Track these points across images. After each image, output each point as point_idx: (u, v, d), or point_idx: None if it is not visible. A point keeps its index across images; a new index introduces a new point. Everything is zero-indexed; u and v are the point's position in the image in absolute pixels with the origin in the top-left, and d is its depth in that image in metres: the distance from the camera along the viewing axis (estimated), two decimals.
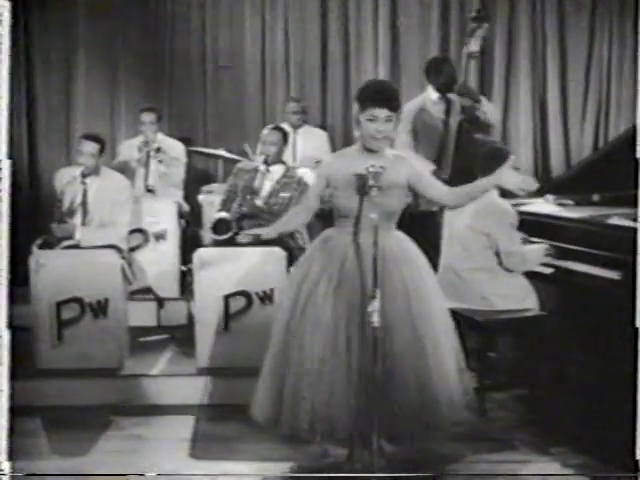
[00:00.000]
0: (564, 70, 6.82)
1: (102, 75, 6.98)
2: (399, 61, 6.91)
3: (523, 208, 4.73)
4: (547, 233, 4.60)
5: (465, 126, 5.23)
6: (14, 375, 3.48)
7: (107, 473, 3.70)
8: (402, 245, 3.52)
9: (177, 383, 4.58)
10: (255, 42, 6.99)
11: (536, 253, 4.45)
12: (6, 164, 3.50)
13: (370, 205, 3.31)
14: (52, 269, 4.65)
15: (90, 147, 5.13)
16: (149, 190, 6.12)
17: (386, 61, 6.90)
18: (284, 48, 6.99)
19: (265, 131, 5.34)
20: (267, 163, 5.17)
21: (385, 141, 3.45)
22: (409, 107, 5.36)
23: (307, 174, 5.33)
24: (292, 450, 3.74)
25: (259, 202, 5.09)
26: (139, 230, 5.69)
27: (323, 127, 6.87)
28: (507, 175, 3.68)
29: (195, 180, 6.59)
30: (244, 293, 4.58)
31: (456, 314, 3.88)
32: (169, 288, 5.75)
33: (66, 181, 5.26)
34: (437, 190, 3.57)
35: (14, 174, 3.53)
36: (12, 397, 3.47)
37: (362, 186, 3.35)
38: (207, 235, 5.43)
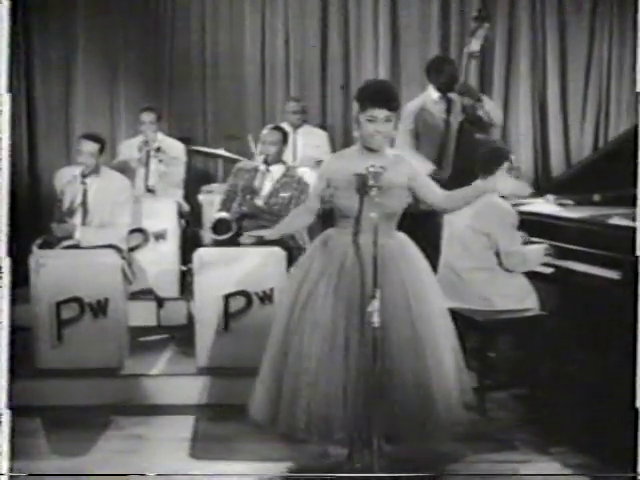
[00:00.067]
0: (564, 70, 6.83)
1: (102, 75, 6.98)
2: (399, 61, 6.91)
3: (523, 208, 4.74)
4: (547, 233, 4.60)
5: (466, 126, 5.23)
6: (14, 375, 3.48)
7: (107, 473, 3.70)
8: (402, 246, 3.52)
9: (177, 383, 4.58)
10: (255, 41, 7.00)
11: (536, 253, 4.45)
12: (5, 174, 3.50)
13: (370, 205, 3.31)
14: (52, 269, 4.65)
15: (90, 147, 5.13)
16: (149, 190, 6.12)
17: (386, 60, 6.91)
18: (284, 47, 6.99)
19: (265, 131, 5.34)
20: (267, 163, 5.17)
21: (385, 141, 3.45)
22: (410, 107, 5.37)
23: (307, 174, 5.33)
24: (292, 450, 3.75)
25: (259, 202, 5.09)
26: (139, 230, 5.69)
27: (323, 127, 6.87)
28: (501, 181, 3.69)
29: (195, 180, 6.59)
30: (244, 293, 4.58)
31: (456, 314, 3.88)
32: (169, 288, 5.74)
33: (66, 181, 5.26)
34: (432, 193, 3.56)
35: (14, 174, 3.53)
36: (12, 397, 3.47)
37: (362, 186, 3.34)
38: (207, 235, 5.42)
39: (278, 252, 4.59)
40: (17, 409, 3.49)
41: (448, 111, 5.25)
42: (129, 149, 6.32)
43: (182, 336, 5.24)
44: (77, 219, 5.13)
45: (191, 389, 4.50)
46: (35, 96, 6.91)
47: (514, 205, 4.48)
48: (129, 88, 7.00)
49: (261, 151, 5.32)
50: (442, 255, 4.52)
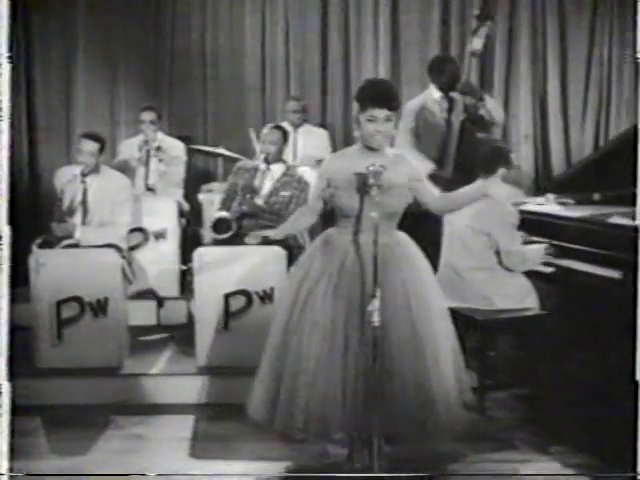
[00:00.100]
0: (564, 69, 6.82)
1: (102, 75, 6.98)
2: (399, 60, 6.91)
3: (524, 207, 4.74)
4: (548, 232, 4.60)
5: (467, 125, 5.22)
6: (14, 374, 3.48)
7: (107, 473, 3.70)
8: (403, 245, 3.52)
9: (177, 382, 4.58)
10: (255, 41, 6.99)
11: (536, 252, 4.45)
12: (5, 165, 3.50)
13: (371, 204, 3.31)
14: (52, 268, 4.65)
15: (90, 146, 5.12)
16: (149, 189, 6.12)
17: (386, 60, 6.90)
18: (284, 47, 6.99)
19: (265, 130, 5.34)
20: (267, 162, 5.17)
21: (385, 140, 3.45)
22: (411, 105, 5.37)
23: (307, 173, 5.34)
24: (291, 450, 3.75)
25: (259, 201, 5.09)
26: (139, 229, 5.69)
27: (323, 126, 6.87)
28: (495, 186, 3.70)
29: (195, 179, 6.59)
30: (244, 292, 4.58)
31: (456, 313, 3.88)
32: (169, 287, 5.74)
33: (66, 180, 5.26)
34: (428, 193, 3.55)
35: (14, 173, 3.53)
36: (12, 397, 3.47)
37: (362, 185, 3.34)
38: (207, 234, 5.42)
39: (278, 251, 4.59)
40: (17, 408, 3.49)
41: (450, 110, 5.25)
42: (129, 148, 6.32)
43: (182, 335, 5.24)
44: (77, 218, 5.13)
45: (191, 388, 4.50)
46: (35, 96, 6.90)
47: (514, 204, 4.48)
48: (129, 88, 7.00)
49: (261, 150, 5.32)
50: (442, 254, 4.52)
